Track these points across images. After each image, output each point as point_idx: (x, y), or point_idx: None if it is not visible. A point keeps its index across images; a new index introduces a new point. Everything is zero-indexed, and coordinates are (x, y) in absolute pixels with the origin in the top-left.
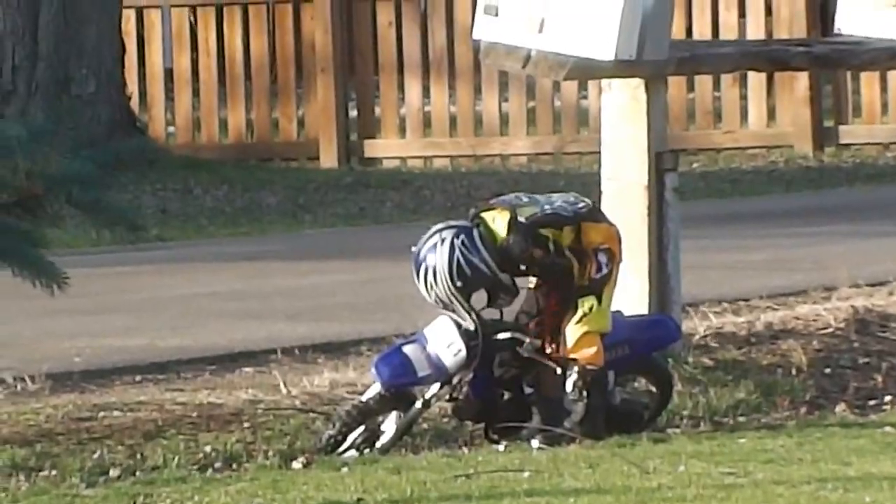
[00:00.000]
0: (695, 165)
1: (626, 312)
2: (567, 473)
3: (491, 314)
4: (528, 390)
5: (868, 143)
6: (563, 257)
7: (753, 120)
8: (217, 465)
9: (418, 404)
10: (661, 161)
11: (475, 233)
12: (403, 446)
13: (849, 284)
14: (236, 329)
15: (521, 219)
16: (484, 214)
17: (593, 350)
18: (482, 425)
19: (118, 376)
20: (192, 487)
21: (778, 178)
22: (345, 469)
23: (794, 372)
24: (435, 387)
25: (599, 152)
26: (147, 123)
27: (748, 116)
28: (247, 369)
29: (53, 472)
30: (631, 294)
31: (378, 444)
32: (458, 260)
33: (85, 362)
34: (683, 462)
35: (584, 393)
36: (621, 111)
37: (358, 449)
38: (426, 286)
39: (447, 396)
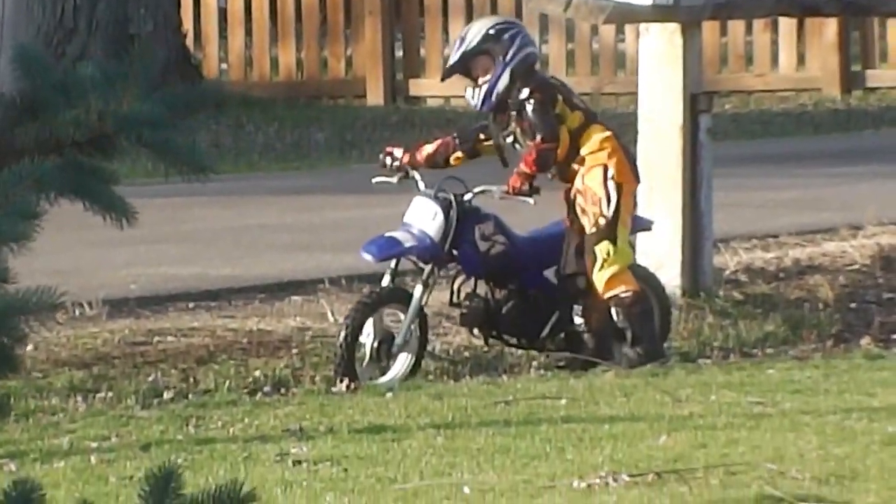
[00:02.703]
0: (727, 107)
1: (659, 249)
2: (602, 401)
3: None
4: (577, 321)
5: (894, 87)
6: (557, 123)
7: (784, 64)
8: (266, 389)
9: (418, 288)
10: (696, 103)
11: (532, 41)
12: (445, 373)
13: (874, 223)
14: (285, 260)
15: (553, 76)
16: None
17: (623, 286)
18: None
19: (172, 303)
20: (241, 410)
21: (807, 121)
22: (389, 394)
23: (820, 306)
24: (427, 268)
25: (636, 94)
26: (201, 61)
27: (779, 61)
28: (295, 298)
29: (110, 394)
30: (664, 230)
31: (397, 341)
32: (510, 30)
33: (140, 289)
34: (714, 392)
35: (631, 321)
36: (658, 55)
37: (377, 354)
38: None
39: (452, 299)
